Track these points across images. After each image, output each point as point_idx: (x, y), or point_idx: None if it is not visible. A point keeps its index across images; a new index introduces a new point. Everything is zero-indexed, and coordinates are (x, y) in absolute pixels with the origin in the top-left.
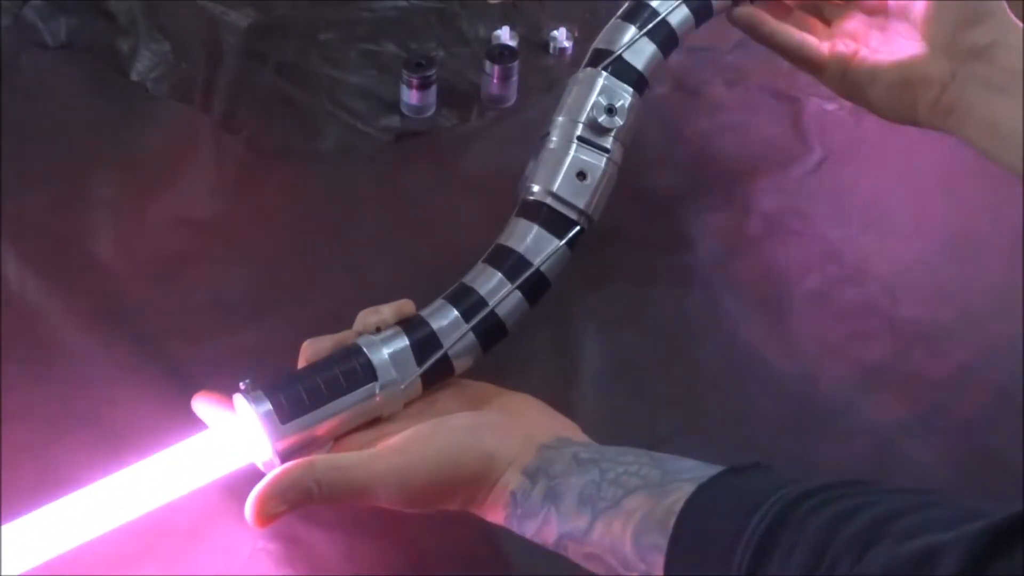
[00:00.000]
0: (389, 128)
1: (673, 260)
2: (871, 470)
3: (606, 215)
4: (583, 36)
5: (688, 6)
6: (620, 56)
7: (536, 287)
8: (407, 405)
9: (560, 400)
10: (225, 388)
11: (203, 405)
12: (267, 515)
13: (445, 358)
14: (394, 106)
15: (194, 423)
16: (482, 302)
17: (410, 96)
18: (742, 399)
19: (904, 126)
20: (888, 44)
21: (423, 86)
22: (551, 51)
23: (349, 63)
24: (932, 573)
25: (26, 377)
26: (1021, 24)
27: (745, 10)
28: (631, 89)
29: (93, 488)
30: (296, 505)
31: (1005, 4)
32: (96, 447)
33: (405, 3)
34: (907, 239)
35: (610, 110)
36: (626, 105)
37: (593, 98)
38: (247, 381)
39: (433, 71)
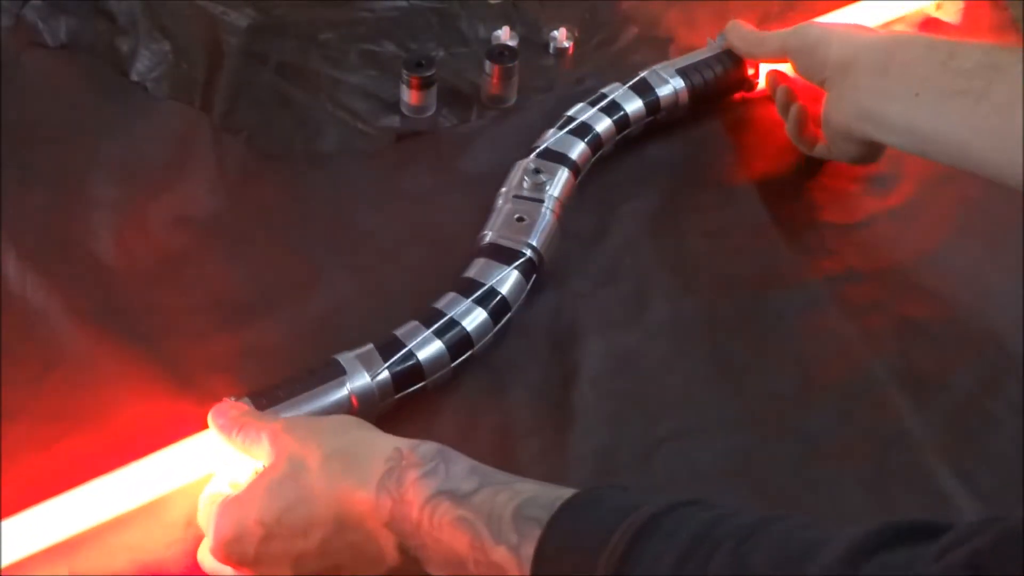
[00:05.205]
0: (389, 128)
1: (672, 260)
2: (871, 469)
3: (605, 214)
4: (583, 36)
5: (608, 116)
6: (547, 147)
7: (496, 308)
8: None
9: (560, 400)
10: (225, 388)
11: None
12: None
13: (411, 356)
14: (394, 106)
15: (194, 422)
16: (440, 313)
17: (410, 96)
18: (742, 400)
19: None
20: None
21: (423, 86)
22: (551, 51)
23: (349, 63)
24: (819, 559)
25: (26, 377)
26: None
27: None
28: (560, 165)
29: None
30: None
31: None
32: (96, 446)
33: (405, 3)
34: (908, 237)
35: (536, 171)
36: (552, 169)
37: (523, 167)
38: (232, 397)
39: (433, 71)
